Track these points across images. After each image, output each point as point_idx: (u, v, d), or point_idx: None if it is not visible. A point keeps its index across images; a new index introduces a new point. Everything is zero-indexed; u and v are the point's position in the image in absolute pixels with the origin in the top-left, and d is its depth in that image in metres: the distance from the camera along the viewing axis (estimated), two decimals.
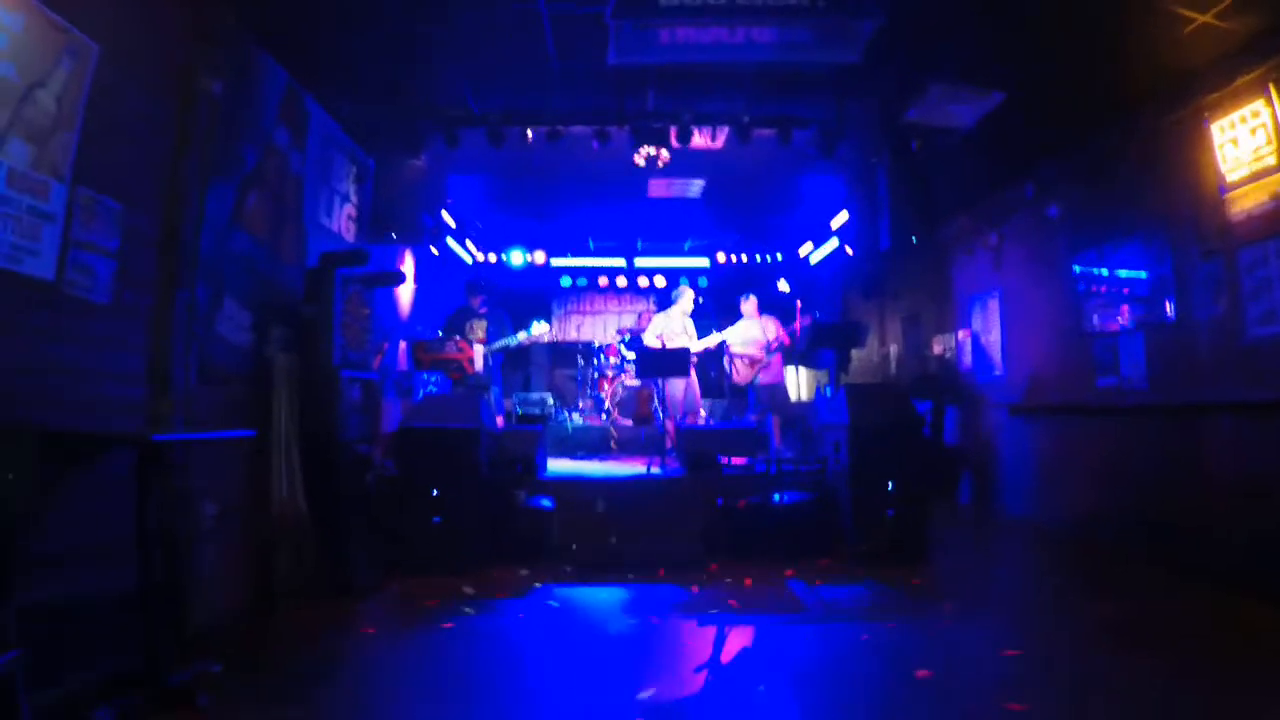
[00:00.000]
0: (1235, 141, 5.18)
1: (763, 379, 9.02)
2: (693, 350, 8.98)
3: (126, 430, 3.50)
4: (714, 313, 9.65)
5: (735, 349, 9.09)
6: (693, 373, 9.10)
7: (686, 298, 9.35)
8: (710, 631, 4.39)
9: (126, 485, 3.19)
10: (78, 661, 3.02)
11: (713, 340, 9.17)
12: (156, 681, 2.95)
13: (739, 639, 4.26)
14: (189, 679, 3.10)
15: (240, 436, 4.27)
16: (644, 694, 3.44)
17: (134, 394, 3.68)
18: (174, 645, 3.22)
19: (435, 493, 5.81)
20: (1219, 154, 5.33)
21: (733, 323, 9.29)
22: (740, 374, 9.12)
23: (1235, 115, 5.17)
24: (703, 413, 10.01)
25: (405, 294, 8.31)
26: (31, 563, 2.81)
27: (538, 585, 5.46)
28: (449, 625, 4.51)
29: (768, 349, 8.93)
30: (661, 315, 9.51)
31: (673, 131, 6.91)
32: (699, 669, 3.77)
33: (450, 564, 5.70)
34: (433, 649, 4.13)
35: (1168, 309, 5.93)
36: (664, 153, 7.04)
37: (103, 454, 3.22)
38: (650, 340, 9.20)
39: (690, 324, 9.31)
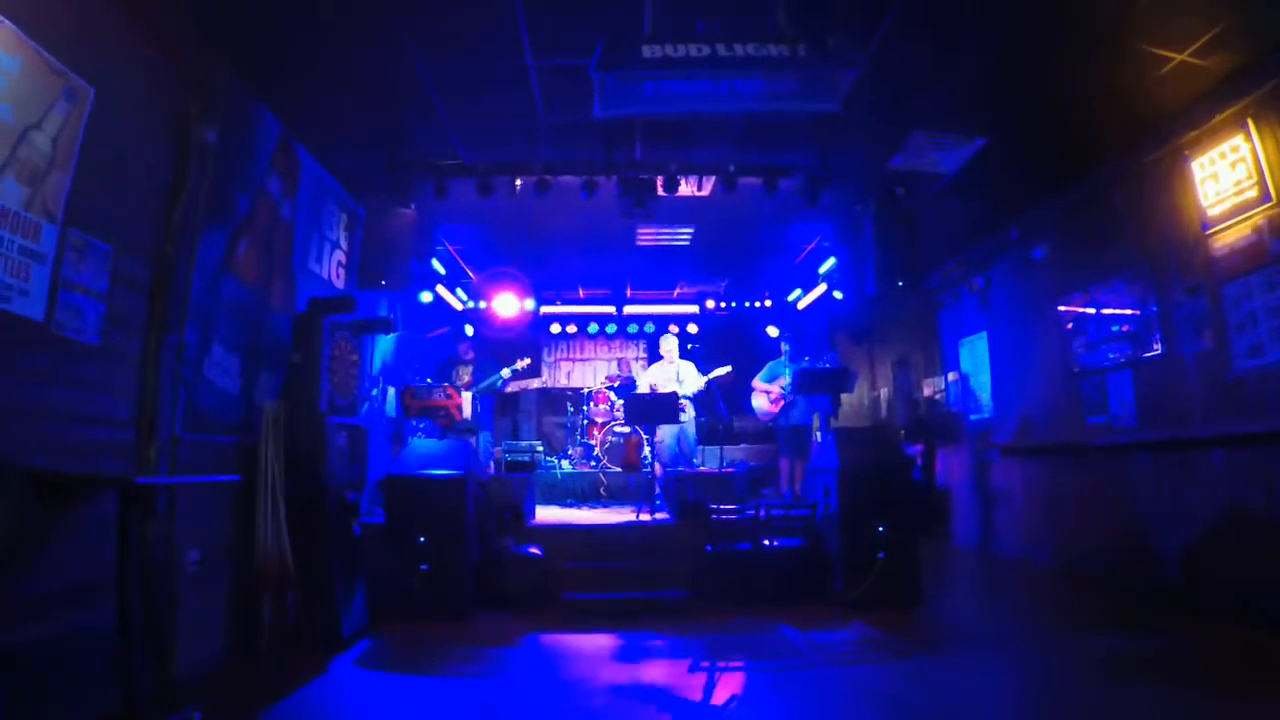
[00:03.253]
0: (1216, 177, 5.29)
1: (785, 420, 9.06)
2: (695, 389, 9.03)
3: (109, 472, 3.45)
4: (700, 359, 9.67)
5: (761, 384, 9.19)
6: (689, 418, 9.13)
7: (670, 343, 9.50)
8: (701, 678, 4.32)
9: (111, 528, 3.16)
10: (59, 702, 2.95)
11: (716, 374, 9.24)
12: None
13: (730, 685, 4.20)
14: None
15: (225, 481, 4.23)
16: None
17: (120, 437, 3.65)
18: (154, 689, 3.15)
19: (422, 540, 5.73)
20: (1200, 190, 5.44)
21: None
22: (762, 411, 9.20)
23: (1215, 151, 5.29)
24: (700, 461, 9.95)
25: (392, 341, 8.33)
26: (15, 603, 2.76)
27: (526, 633, 5.38)
28: (436, 675, 4.43)
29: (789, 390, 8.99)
30: (654, 366, 9.60)
31: (659, 181, 6.99)
32: (690, 717, 3.71)
33: (437, 612, 5.61)
34: (419, 699, 4.05)
35: (1154, 346, 6.00)
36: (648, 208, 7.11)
37: (86, 496, 3.18)
38: (643, 390, 9.26)
39: (686, 367, 9.37)
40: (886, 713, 3.69)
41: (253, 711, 3.67)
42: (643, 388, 9.40)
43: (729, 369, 9.36)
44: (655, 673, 4.48)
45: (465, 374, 8.84)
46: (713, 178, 7.32)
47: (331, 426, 5.18)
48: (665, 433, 8.93)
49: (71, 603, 3.11)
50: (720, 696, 3.99)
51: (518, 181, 7.05)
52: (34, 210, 3.18)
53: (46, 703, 2.92)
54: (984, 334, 8.78)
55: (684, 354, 9.66)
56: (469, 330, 9.66)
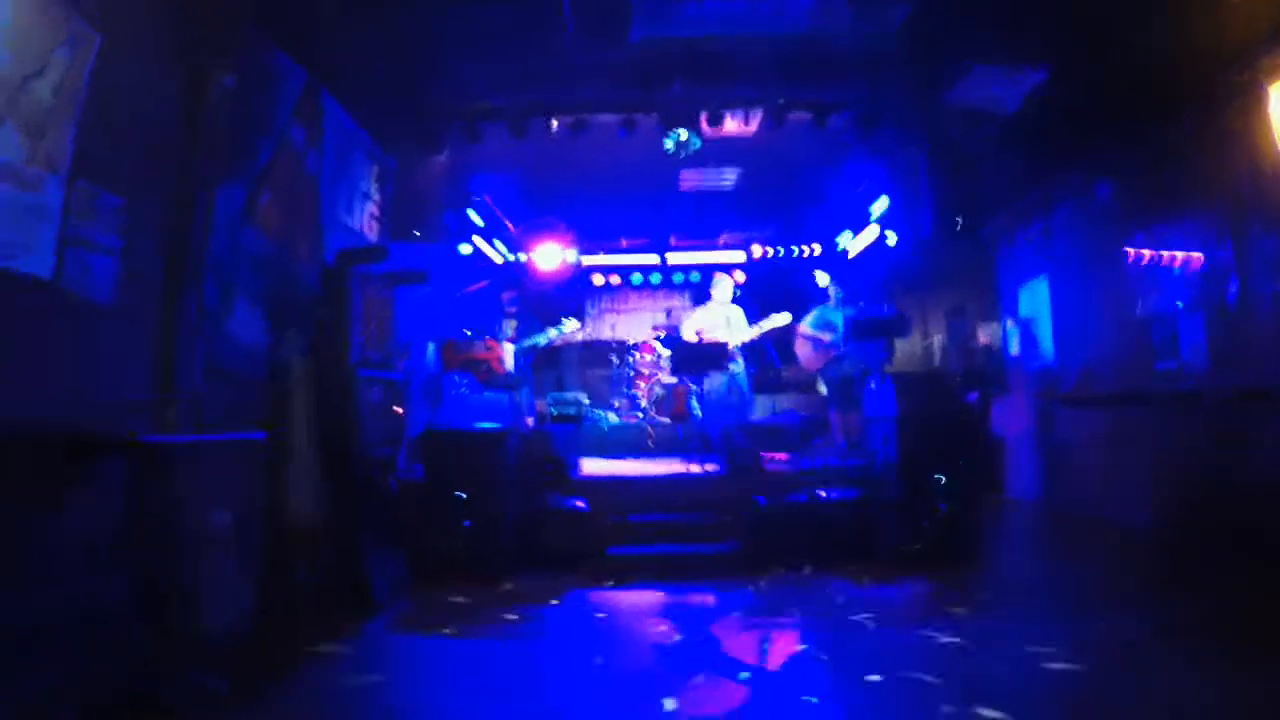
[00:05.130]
0: None
1: (834, 371, 8.52)
2: (741, 340, 8.67)
3: (127, 432, 3.32)
4: (746, 307, 9.33)
5: (809, 330, 8.62)
6: (739, 369, 8.80)
7: (723, 287, 9.08)
8: (754, 636, 4.16)
9: (132, 488, 3.05)
10: (79, 667, 2.87)
11: (772, 324, 8.82)
12: (157, 698, 2.79)
13: (782, 645, 4.03)
14: (193, 695, 2.94)
15: (247, 439, 4.09)
16: (678, 703, 3.22)
17: (137, 397, 3.53)
18: (179, 652, 3.06)
19: (462, 496, 5.60)
20: (1276, 120, 4.96)
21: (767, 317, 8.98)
22: (808, 360, 8.73)
23: None
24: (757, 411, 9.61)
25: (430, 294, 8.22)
26: (34, 567, 2.67)
27: (569, 590, 5.25)
28: (473, 637, 4.31)
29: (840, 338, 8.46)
30: (700, 309, 9.24)
31: (703, 117, 6.66)
32: (742, 676, 3.54)
33: (479, 570, 5.48)
34: (462, 663, 3.93)
35: (1229, 287, 5.57)
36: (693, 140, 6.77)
37: (104, 457, 3.08)
38: (688, 336, 8.93)
39: (736, 313, 8.97)
40: (950, 678, 3.46)
41: (281, 674, 3.58)
42: (688, 333, 9.08)
43: (788, 317, 8.91)
44: (703, 631, 4.29)
45: (510, 327, 8.72)
46: (759, 114, 6.95)
47: (363, 381, 5.05)
48: (717, 382, 8.64)
49: (91, 565, 3.01)
50: (772, 657, 3.82)
51: (554, 123, 6.78)
52: (37, 163, 3.03)
53: (67, 668, 2.83)
54: (1044, 278, 8.34)
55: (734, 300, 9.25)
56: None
